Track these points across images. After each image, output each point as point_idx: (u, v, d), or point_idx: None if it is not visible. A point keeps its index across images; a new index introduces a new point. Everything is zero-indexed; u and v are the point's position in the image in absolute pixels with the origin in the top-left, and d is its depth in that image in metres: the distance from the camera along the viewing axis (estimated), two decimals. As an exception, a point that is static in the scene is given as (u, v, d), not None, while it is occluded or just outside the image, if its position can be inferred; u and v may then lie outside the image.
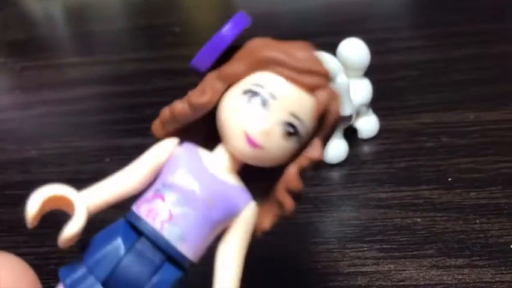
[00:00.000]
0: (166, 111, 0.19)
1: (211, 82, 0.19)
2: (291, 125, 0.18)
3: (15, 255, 0.20)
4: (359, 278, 0.28)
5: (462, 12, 0.56)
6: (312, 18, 0.61)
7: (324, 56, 0.34)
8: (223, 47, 0.19)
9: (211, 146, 0.19)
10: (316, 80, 0.18)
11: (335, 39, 0.37)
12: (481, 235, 0.29)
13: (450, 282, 0.27)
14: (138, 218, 0.18)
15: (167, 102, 0.49)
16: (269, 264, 0.29)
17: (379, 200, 0.33)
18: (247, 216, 0.19)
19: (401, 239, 0.30)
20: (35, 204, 0.17)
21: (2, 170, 0.40)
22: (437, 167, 0.35)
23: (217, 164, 0.19)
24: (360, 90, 0.36)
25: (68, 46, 0.64)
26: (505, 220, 0.30)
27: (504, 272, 0.27)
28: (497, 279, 0.27)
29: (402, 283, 0.27)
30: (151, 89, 0.49)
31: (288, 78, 0.18)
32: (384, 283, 0.27)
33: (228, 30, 0.19)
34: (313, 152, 0.19)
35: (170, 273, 0.18)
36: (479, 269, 0.27)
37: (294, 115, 0.18)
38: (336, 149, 0.36)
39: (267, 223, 0.20)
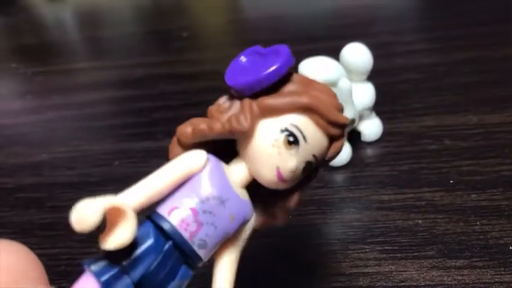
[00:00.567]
0: (201, 125, 0.20)
1: (251, 109, 0.20)
2: (310, 163, 0.20)
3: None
4: (361, 279, 0.28)
5: (465, 16, 0.56)
6: (317, 22, 0.62)
7: (328, 61, 0.35)
8: (270, 82, 0.19)
9: (222, 156, 0.21)
10: (340, 131, 0.20)
11: (340, 42, 0.38)
12: (481, 236, 0.30)
13: (450, 283, 0.27)
14: (170, 225, 0.19)
15: (175, 106, 0.50)
16: (272, 265, 0.30)
17: (381, 202, 0.33)
18: (248, 227, 0.21)
19: (402, 241, 0.30)
20: (96, 214, 0.17)
21: (13, 173, 0.41)
22: (439, 170, 0.35)
23: (236, 179, 0.20)
24: (364, 94, 0.37)
25: (78, 51, 0.65)
26: (505, 222, 0.30)
27: (503, 273, 0.27)
28: (497, 279, 0.27)
29: (403, 284, 0.28)
30: (158, 93, 0.50)
31: (320, 126, 0.20)
32: (385, 284, 0.28)
33: (282, 67, 0.19)
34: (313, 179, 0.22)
35: (186, 272, 0.19)
36: (478, 270, 0.28)
37: (314, 156, 0.20)
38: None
39: (258, 225, 0.22)
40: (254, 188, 0.21)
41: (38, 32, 0.70)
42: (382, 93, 0.39)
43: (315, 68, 0.34)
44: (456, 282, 0.27)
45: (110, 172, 0.40)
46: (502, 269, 0.28)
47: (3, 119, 0.50)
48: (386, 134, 0.39)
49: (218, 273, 0.20)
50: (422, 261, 0.29)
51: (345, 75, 0.35)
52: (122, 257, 0.18)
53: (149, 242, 0.19)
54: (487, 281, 0.27)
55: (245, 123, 0.19)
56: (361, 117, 0.38)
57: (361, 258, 0.29)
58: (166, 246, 0.19)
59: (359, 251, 0.30)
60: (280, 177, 0.20)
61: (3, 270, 0.19)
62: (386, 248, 0.30)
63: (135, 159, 0.40)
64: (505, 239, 0.29)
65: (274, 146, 0.20)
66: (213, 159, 0.20)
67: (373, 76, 0.38)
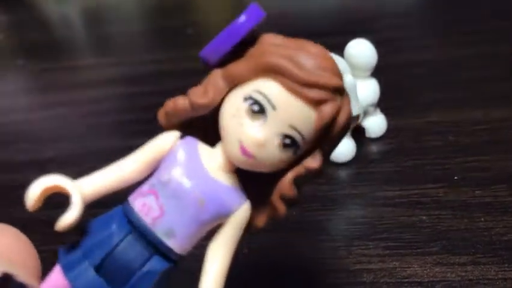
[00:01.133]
0: (169, 104, 0.19)
1: (215, 80, 0.18)
2: (289, 137, 0.17)
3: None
4: (365, 275, 0.28)
5: (470, 10, 0.56)
6: (323, 17, 0.61)
7: (332, 56, 0.35)
8: (235, 40, 0.17)
9: (213, 140, 0.19)
10: (321, 94, 0.17)
11: (345, 38, 0.38)
12: (485, 233, 0.30)
13: (453, 279, 0.27)
14: (132, 211, 0.18)
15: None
16: (276, 262, 0.30)
17: (386, 199, 0.33)
18: (239, 217, 0.19)
19: (406, 237, 0.30)
20: (33, 193, 0.18)
21: (20, 169, 0.42)
22: (443, 166, 0.35)
23: (215, 162, 0.19)
24: (368, 91, 0.37)
25: (84, 48, 0.65)
26: (509, 218, 0.30)
27: (507, 269, 0.27)
28: (500, 276, 0.27)
29: (406, 280, 0.28)
30: (164, 90, 0.50)
31: (291, 91, 0.17)
32: (389, 280, 0.28)
33: (241, 23, 0.17)
34: (312, 162, 0.18)
35: (159, 263, 0.18)
36: (482, 266, 0.28)
37: (293, 127, 0.17)
38: (344, 148, 0.36)
39: (260, 222, 0.20)
40: (250, 178, 0.19)
41: (44, 29, 0.71)
42: (387, 89, 0.39)
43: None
44: (460, 278, 0.27)
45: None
46: (506, 265, 0.28)
47: (11, 115, 0.50)
48: (390, 130, 0.39)
49: (206, 265, 0.19)
50: (426, 257, 0.29)
51: (350, 71, 0.35)
52: (84, 241, 0.18)
53: (111, 227, 0.18)
54: (491, 277, 0.27)
55: (204, 96, 0.18)
56: (365, 113, 0.38)
57: (365, 255, 0.30)
58: (130, 233, 0.18)
59: (363, 247, 0.30)
60: (245, 152, 0.17)
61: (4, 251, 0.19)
62: (390, 244, 0.30)
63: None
64: (509, 235, 0.29)
65: (236, 116, 0.17)
66: (188, 140, 0.19)
67: (378, 71, 0.38)
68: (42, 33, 0.69)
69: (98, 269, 0.18)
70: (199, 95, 0.18)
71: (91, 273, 0.18)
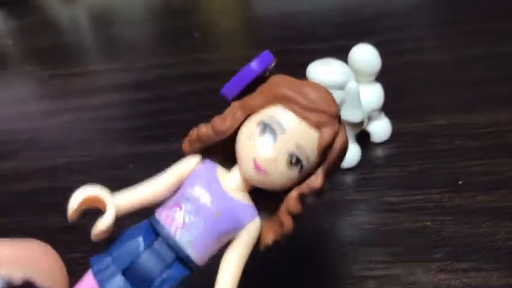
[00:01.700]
0: (194, 133, 0.22)
1: (233, 110, 0.21)
2: (295, 155, 0.20)
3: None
4: (370, 282, 0.29)
5: (475, 10, 0.56)
6: (328, 19, 0.62)
7: (335, 63, 0.35)
8: (249, 80, 0.21)
9: (229, 165, 0.22)
10: (323, 118, 0.20)
11: (349, 40, 0.38)
12: (488, 239, 0.30)
13: (457, 285, 0.28)
14: (157, 221, 0.21)
15: (187, 107, 0.51)
16: (281, 268, 0.30)
17: (390, 204, 0.34)
18: (250, 231, 0.21)
19: (410, 243, 0.31)
20: (75, 201, 0.20)
21: (30, 177, 0.42)
22: (448, 170, 0.35)
23: (231, 182, 0.21)
24: (372, 96, 0.37)
25: (92, 52, 0.66)
26: (512, 223, 0.31)
27: (510, 276, 0.28)
28: (503, 283, 0.27)
29: (411, 287, 0.28)
30: (171, 95, 0.51)
31: (298, 114, 0.20)
32: (393, 287, 0.28)
33: (255, 66, 0.21)
34: (314, 181, 0.21)
35: (178, 271, 0.21)
36: (485, 273, 0.28)
37: (299, 147, 0.20)
38: (349, 153, 0.36)
39: (270, 239, 0.22)
40: (262, 197, 0.22)
41: (52, 34, 0.71)
42: (391, 92, 0.39)
43: (323, 70, 0.34)
44: (463, 285, 0.28)
45: (125, 176, 0.40)
46: (509, 272, 0.28)
47: (20, 123, 0.51)
48: (395, 134, 0.39)
49: (220, 274, 0.21)
50: (430, 264, 0.29)
51: (353, 77, 0.35)
52: (114, 248, 0.21)
53: (139, 236, 0.21)
54: (494, 283, 0.27)
55: (224, 123, 0.21)
56: (370, 118, 0.38)
57: (370, 261, 0.30)
58: (156, 242, 0.21)
59: (367, 253, 0.30)
60: (258, 168, 0.20)
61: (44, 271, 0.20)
62: (394, 250, 0.30)
63: (149, 162, 0.41)
64: (512, 241, 0.30)
65: (250, 139, 0.20)
66: (207, 163, 0.22)
67: (382, 74, 0.38)
68: (50, 37, 0.70)
69: (125, 273, 0.20)
70: (220, 122, 0.21)
71: (119, 276, 0.20)
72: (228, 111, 0.21)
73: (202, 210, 0.20)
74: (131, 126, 0.47)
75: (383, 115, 0.39)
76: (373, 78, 0.37)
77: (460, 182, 0.34)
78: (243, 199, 0.21)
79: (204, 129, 0.21)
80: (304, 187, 0.21)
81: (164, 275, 0.20)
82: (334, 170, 0.21)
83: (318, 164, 0.21)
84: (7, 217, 0.38)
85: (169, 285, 0.20)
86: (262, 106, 0.21)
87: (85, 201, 0.21)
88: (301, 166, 0.20)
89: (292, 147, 0.20)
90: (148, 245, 0.21)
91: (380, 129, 0.39)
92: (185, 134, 0.22)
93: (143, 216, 0.22)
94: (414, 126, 0.40)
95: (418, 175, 0.35)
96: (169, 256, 0.21)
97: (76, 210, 0.20)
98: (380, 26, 0.56)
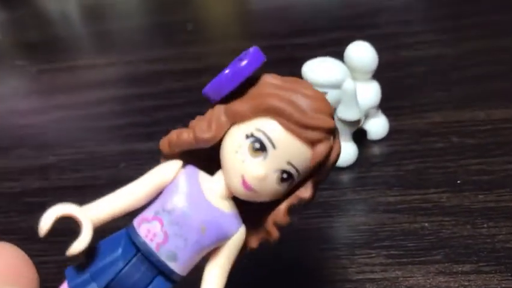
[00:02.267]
0: (173, 136, 0.20)
1: (218, 116, 0.19)
2: (286, 172, 0.19)
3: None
4: (367, 285, 0.28)
5: (474, 4, 0.55)
6: (324, 12, 0.61)
7: (332, 62, 0.35)
8: (236, 83, 0.19)
9: (212, 169, 0.20)
10: (317, 135, 0.18)
11: (346, 34, 0.37)
12: (488, 240, 0.29)
13: (456, 288, 0.27)
14: (137, 235, 0.19)
15: (178, 104, 0.50)
16: (277, 271, 0.30)
17: (388, 204, 0.33)
18: (236, 241, 0.20)
19: (408, 245, 0.30)
20: (47, 222, 0.19)
21: (21, 176, 0.42)
22: (446, 169, 0.35)
23: (214, 190, 0.20)
24: (369, 93, 0.36)
25: (83, 46, 0.65)
26: (512, 224, 0.30)
27: (510, 278, 0.27)
28: (503, 285, 0.27)
29: (409, 290, 0.28)
30: (163, 91, 0.50)
31: (290, 131, 0.18)
32: (391, 290, 0.28)
33: (244, 67, 0.19)
34: (305, 192, 0.20)
35: (161, 284, 0.20)
36: (485, 275, 0.28)
37: (290, 164, 0.19)
38: (346, 152, 0.36)
39: (255, 243, 0.21)
40: (246, 202, 0.20)
41: (42, 28, 0.70)
42: (388, 88, 0.38)
43: (319, 69, 0.34)
44: (462, 287, 0.27)
45: (117, 174, 0.40)
46: (509, 274, 0.27)
47: (10, 120, 0.50)
48: (392, 132, 0.39)
49: (203, 285, 0.20)
50: (429, 266, 0.29)
51: (350, 75, 0.34)
52: (92, 264, 0.20)
53: (117, 251, 0.19)
54: (494, 286, 0.27)
55: (208, 131, 0.19)
56: (367, 115, 0.37)
57: (367, 264, 0.29)
58: (135, 256, 0.19)
59: (365, 256, 0.30)
60: (246, 186, 0.19)
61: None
62: (392, 252, 0.30)
63: (141, 160, 0.40)
64: (512, 242, 0.29)
65: (238, 153, 0.19)
66: (189, 169, 0.20)
67: (379, 70, 0.37)
68: (40, 31, 0.68)
69: None
70: (204, 130, 0.19)
71: None
72: (211, 116, 0.19)
73: (186, 224, 0.19)
74: (121, 123, 0.46)
75: (380, 113, 0.38)
76: (370, 76, 0.37)
77: (458, 181, 0.34)
78: (228, 208, 0.20)
79: (185, 136, 0.19)
80: (293, 199, 0.20)
81: None
82: (325, 179, 0.20)
83: (308, 175, 0.20)
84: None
85: None
86: (251, 116, 0.19)
87: (57, 219, 0.19)
88: (292, 180, 0.19)
89: (284, 164, 0.19)
90: (129, 260, 0.19)
91: (377, 127, 0.38)
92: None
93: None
94: (411, 123, 0.39)
95: (416, 174, 0.35)
96: (151, 271, 0.19)
97: (47, 231, 0.19)
98: (377, 20, 0.55)
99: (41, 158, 0.43)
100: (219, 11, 0.69)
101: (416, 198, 0.33)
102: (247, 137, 0.19)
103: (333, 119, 0.19)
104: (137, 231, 0.20)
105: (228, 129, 0.19)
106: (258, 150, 0.19)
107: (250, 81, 0.19)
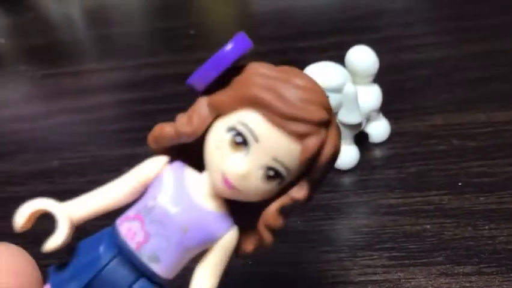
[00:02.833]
0: (156, 130, 0.19)
1: (200, 109, 0.18)
2: (272, 169, 0.17)
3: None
4: (369, 287, 0.28)
5: (475, 6, 0.55)
6: (325, 15, 0.61)
7: (331, 67, 0.35)
8: (221, 69, 0.17)
9: (202, 165, 0.19)
10: (304, 128, 0.17)
11: (347, 37, 0.37)
12: (490, 242, 0.30)
13: (458, 290, 0.27)
14: (118, 235, 0.19)
15: (182, 108, 0.50)
16: (279, 273, 0.30)
17: (390, 207, 0.33)
18: (226, 243, 0.19)
19: (410, 247, 0.30)
20: (21, 217, 0.19)
21: (26, 180, 0.42)
22: (447, 171, 0.35)
23: (201, 188, 0.19)
24: (370, 97, 0.37)
25: (86, 51, 0.65)
26: (513, 225, 0.30)
27: (511, 279, 0.27)
28: (505, 286, 0.27)
29: (411, 291, 0.28)
30: (166, 95, 0.50)
31: (274, 123, 0.17)
32: (393, 292, 0.28)
33: (228, 52, 0.17)
34: (298, 192, 0.18)
35: (145, 286, 0.19)
36: (486, 277, 0.28)
37: (276, 160, 0.17)
38: (348, 155, 0.36)
39: (250, 247, 0.20)
40: (240, 203, 0.19)
41: (46, 32, 0.70)
42: (389, 91, 0.39)
43: (320, 74, 0.34)
44: (464, 289, 0.27)
45: (120, 178, 0.40)
46: (511, 275, 0.28)
47: (14, 124, 0.50)
48: (393, 135, 0.39)
49: None
50: (430, 267, 0.29)
51: (350, 79, 0.35)
52: (74, 262, 0.19)
53: (98, 249, 0.19)
54: (495, 287, 0.27)
55: (189, 125, 0.18)
56: (368, 118, 0.37)
57: (369, 265, 0.30)
58: (117, 258, 0.19)
59: (367, 257, 0.30)
60: (227, 184, 0.18)
61: (4, 272, 0.20)
62: (394, 254, 0.30)
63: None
64: (513, 243, 0.29)
65: (219, 148, 0.17)
66: (175, 165, 0.19)
67: (380, 73, 0.37)
68: (44, 36, 0.69)
69: None
70: (184, 124, 0.18)
71: None
72: (193, 109, 0.18)
73: (168, 222, 0.18)
74: (124, 127, 0.47)
75: (381, 116, 0.39)
76: (370, 79, 0.37)
77: (459, 184, 0.34)
78: (216, 208, 0.19)
79: (167, 130, 0.18)
80: (286, 199, 0.18)
81: None
82: (323, 177, 0.19)
83: (303, 173, 0.18)
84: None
85: None
86: (233, 108, 0.17)
87: (34, 214, 0.19)
88: (281, 179, 0.18)
89: (268, 160, 0.17)
90: (110, 259, 0.19)
91: (378, 130, 0.38)
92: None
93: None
94: (412, 126, 0.40)
95: (417, 177, 0.35)
96: (133, 271, 0.19)
97: (23, 224, 0.19)
98: (378, 23, 0.55)
99: (46, 162, 0.44)
100: (221, 15, 0.69)
101: (418, 200, 0.33)
102: (228, 130, 0.17)
103: (326, 110, 0.17)
104: (118, 229, 0.19)
105: (212, 122, 0.18)
106: (239, 145, 0.17)
107: (238, 72, 0.18)
